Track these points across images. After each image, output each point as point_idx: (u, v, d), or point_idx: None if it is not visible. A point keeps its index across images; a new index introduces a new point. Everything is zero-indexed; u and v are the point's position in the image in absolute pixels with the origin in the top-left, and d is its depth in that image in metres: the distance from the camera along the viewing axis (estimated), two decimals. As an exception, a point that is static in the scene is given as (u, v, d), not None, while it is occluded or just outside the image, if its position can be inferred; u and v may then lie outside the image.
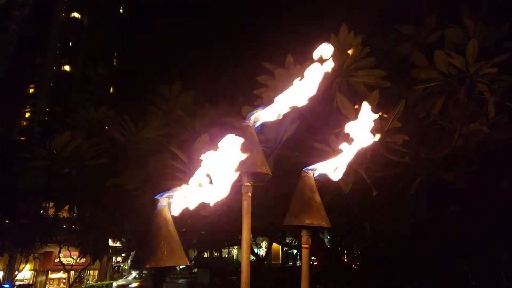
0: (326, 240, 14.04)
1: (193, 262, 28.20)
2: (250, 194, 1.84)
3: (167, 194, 1.50)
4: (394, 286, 8.73)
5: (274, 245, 23.05)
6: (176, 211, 1.49)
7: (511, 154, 5.64)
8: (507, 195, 6.14)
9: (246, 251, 1.84)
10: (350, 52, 5.31)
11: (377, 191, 5.10)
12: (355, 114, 4.94)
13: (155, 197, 1.47)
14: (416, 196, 6.47)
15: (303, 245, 1.92)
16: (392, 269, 9.13)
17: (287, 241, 16.37)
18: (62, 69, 54.43)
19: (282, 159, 5.56)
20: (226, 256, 33.89)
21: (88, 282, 28.81)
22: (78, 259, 16.66)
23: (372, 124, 1.84)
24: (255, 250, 21.87)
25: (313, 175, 1.92)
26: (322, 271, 11.49)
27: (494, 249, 7.44)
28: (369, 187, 5.04)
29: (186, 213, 1.59)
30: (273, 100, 1.97)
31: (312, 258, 13.33)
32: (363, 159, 4.53)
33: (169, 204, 1.51)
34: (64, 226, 15.57)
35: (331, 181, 1.91)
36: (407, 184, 6.05)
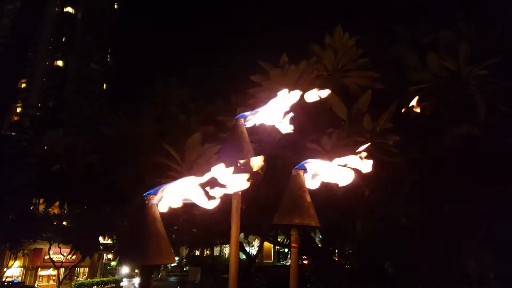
0: (317, 240, 14.08)
1: (184, 260, 28.07)
2: (239, 193, 1.83)
3: (156, 191, 1.48)
4: (385, 285, 8.78)
5: (266, 244, 23.05)
6: (163, 207, 1.45)
7: (503, 155, 5.68)
8: (498, 196, 6.19)
9: (234, 249, 1.84)
10: (344, 52, 5.32)
11: (369, 191, 5.12)
12: (347, 115, 4.96)
13: (144, 194, 1.45)
14: (409, 197, 6.50)
15: (292, 244, 1.91)
16: (383, 268, 9.18)
17: (279, 240, 16.41)
18: (54, 64, 53.84)
19: (274, 159, 5.55)
20: (218, 254, 33.84)
21: (78, 279, 28.55)
22: (69, 256, 16.50)
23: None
24: (247, 248, 21.84)
25: (303, 168, 1.90)
26: (313, 270, 11.53)
27: (482, 249, 7.51)
28: (361, 187, 5.06)
29: (178, 211, 1.56)
30: (266, 101, 1.96)
31: (304, 257, 13.33)
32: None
33: (158, 200, 1.48)
34: (55, 222, 15.44)
35: (324, 181, 1.90)
36: (399, 184, 6.07)
